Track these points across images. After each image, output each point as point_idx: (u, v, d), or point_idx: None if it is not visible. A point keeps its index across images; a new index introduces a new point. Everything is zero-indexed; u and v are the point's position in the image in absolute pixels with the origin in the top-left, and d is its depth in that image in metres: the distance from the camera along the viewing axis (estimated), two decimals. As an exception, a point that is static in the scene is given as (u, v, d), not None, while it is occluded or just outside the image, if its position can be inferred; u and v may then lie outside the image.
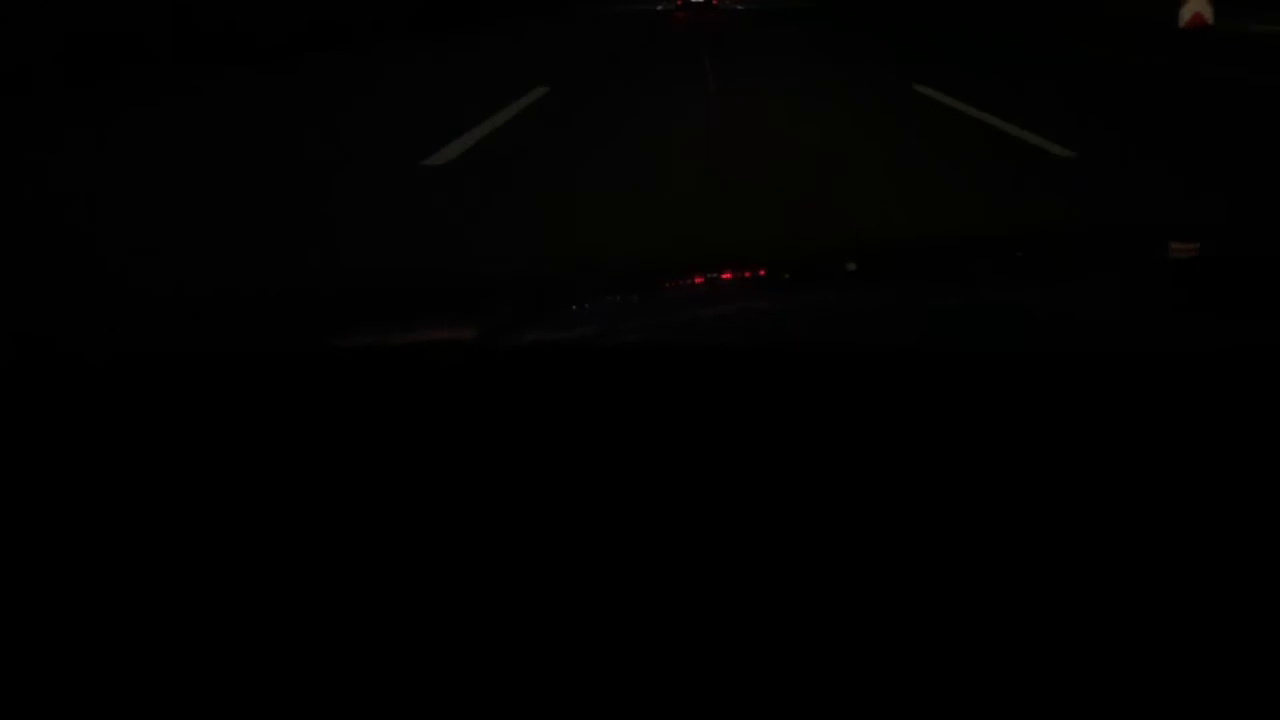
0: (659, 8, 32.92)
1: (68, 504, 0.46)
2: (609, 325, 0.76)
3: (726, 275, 0.95)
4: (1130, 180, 4.63)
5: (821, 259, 1.05)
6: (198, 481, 0.47)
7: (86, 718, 0.36)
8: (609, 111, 7.04)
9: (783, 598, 0.39)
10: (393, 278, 1.55)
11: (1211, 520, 0.43)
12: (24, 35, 8.46)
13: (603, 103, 7.51)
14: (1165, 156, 5.26)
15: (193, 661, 0.37)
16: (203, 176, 4.69)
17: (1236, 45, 12.12)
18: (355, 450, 0.49)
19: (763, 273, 0.96)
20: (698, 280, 0.94)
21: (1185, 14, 15.21)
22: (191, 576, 0.41)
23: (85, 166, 5.07)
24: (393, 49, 13.00)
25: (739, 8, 32.47)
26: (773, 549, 0.42)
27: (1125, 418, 0.50)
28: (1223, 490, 0.45)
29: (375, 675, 0.36)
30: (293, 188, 4.46)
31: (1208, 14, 15.25)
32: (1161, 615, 0.38)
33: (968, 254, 1.03)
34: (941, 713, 0.35)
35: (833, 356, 0.60)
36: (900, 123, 6.44)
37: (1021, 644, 0.37)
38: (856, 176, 4.73)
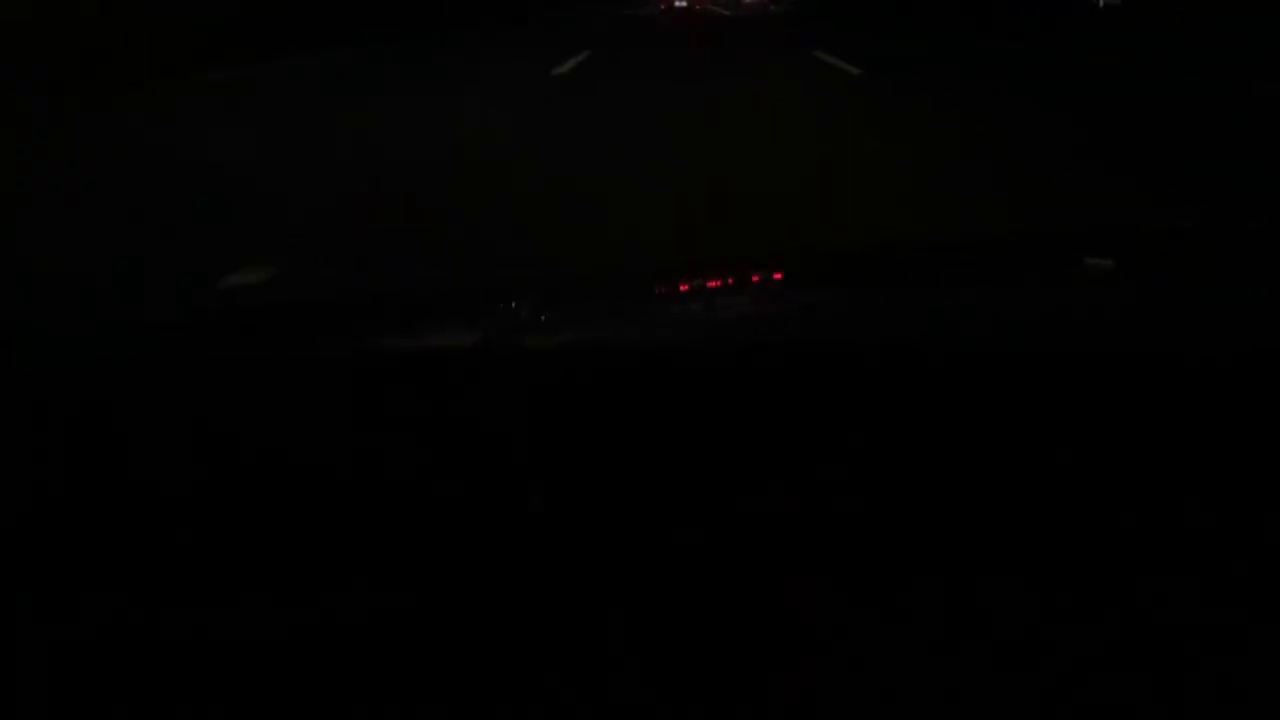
0: (643, 11, 33.66)
1: (71, 505, 0.46)
2: (609, 328, 0.76)
3: (719, 280, 0.95)
4: (871, 79, 8.90)
5: (821, 260, 1.09)
6: (207, 481, 0.47)
7: (87, 716, 0.36)
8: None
9: (781, 596, 0.40)
10: (395, 281, 1.42)
11: (1209, 520, 0.43)
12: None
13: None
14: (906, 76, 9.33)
15: (193, 661, 0.38)
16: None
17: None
18: (360, 452, 0.49)
19: (761, 274, 0.98)
20: (697, 283, 0.94)
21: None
22: (199, 574, 0.42)
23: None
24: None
25: (725, 13, 34.67)
26: (771, 548, 0.42)
27: (1122, 418, 0.50)
28: (1220, 490, 0.45)
29: (375, 671, 0.37)
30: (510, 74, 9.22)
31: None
32: (1158, 614, 0.39)
33: (965, 254, 1.04)
34: (940, 712, 0.35)
35: (831, 357, 0.60)
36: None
37: (1018, 643, 0.38)
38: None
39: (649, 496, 0.46)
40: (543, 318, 0.81)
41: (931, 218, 3.73)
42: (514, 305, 0.85)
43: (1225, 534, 0.43)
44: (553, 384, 0.57)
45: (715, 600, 0.40)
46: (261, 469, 0.49)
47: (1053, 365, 0.57)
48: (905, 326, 0.71)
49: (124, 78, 8.29)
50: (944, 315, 0.74)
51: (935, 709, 0.36)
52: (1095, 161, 4.94)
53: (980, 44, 13.43)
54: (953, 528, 0.43)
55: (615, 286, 0.95)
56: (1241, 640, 0.38)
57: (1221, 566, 0.41)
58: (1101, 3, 15.41)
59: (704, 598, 0.40)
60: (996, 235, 1.80)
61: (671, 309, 0.87)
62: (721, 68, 10.58)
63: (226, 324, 0.81)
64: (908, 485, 0.46)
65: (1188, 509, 0.44)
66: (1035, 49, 12.03)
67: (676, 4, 37.97)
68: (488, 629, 0.39)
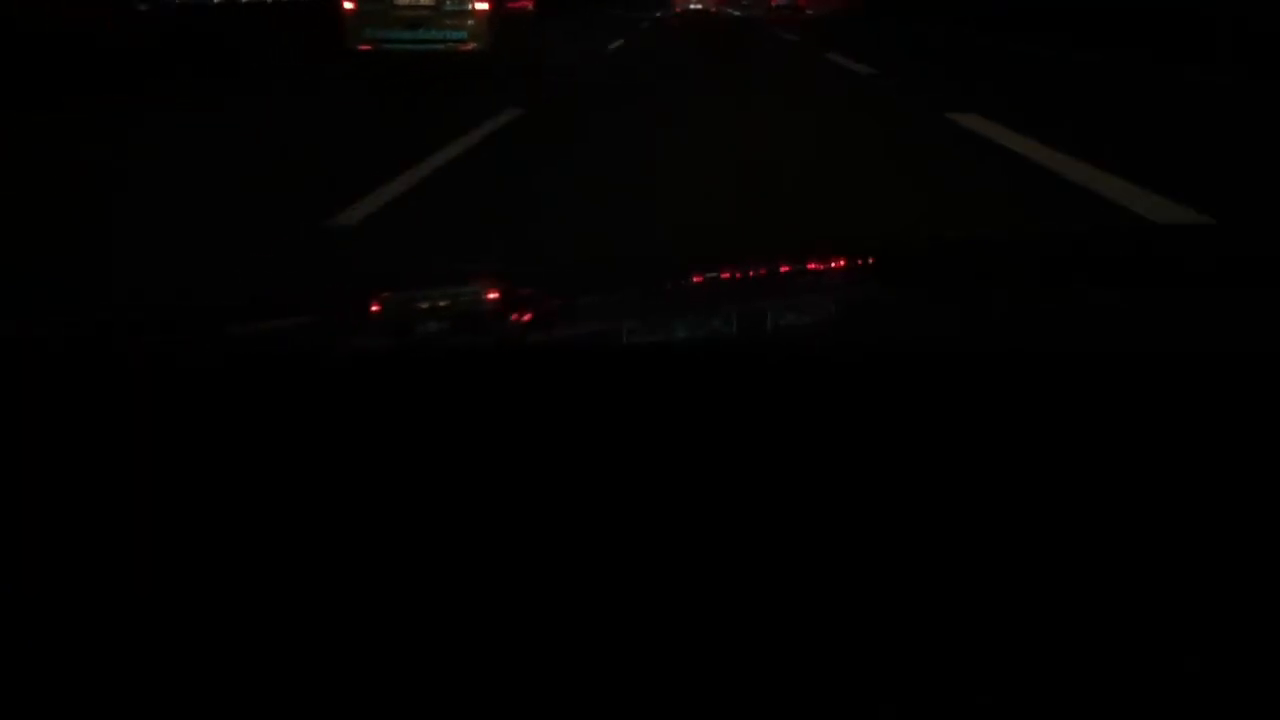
0: (657, 14, 33.71)
1: (69, 504, 0.46)
2: (609, 327, 0.77)
3: (726, 275, 0.96)
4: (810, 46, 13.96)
5: (822, 260, 1.08)
6: (202, 483, 0.47)
7: (87, 717, 0.36)
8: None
9: (781, 598, 0.40)
10: (395, 279, 1.42)
11: (1208, 522, 0.43)
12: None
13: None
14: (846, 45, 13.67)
15: (191, 664, 0.38)
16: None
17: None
18: (357, 452, 0.49)
19: (764, 272, 0.98)
20: (699, 280, 0.95)
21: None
22: (195, 576, 0.42)
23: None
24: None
25: (735, 13, 34.73)
26: (772, 549, 0.42)
27: (1121, 419, 0.50)
28: (1219, 492, 0.45)
29: (375, 674, 0.37)
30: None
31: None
32: (1157, 616, 0.39)
33: (965, 255, 1.04)
34: (938, 712, 0.35)
35: (833, 357, 0.60)
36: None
37: (1017, 645, 0.38)
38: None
39: (653, 497, 0.46)
40: (544, 316, 0.81)
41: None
42: (515, 303, 0.85)
43: (1225, 535, 0.43)
44: (551, 384, 0.57)
45: (720, 604, 0.40)
46: (255, 468, 0.49)
47: (1055, 366, 0.56)
48: (904, 326, 0.71)
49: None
50: (943, 315, 0.74)
51: (931, 708, 0.36)
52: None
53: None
54: (951, 529, 0.43)
55: (615, 286, 0.94)
56: (1242, 641, 0.38)
57: (1222, 568, 0.41)
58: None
59: (712, 603, 0.40)
60: (996, 236, 1.80)
61: (672, 309, 0.86)
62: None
63: (226, 318, 0.81)
64: (905, 486, 0.46)
65: (1185, 511, 0.44)
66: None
67: (691, 6, 38.10)
68: (488, 630, 0.39)
